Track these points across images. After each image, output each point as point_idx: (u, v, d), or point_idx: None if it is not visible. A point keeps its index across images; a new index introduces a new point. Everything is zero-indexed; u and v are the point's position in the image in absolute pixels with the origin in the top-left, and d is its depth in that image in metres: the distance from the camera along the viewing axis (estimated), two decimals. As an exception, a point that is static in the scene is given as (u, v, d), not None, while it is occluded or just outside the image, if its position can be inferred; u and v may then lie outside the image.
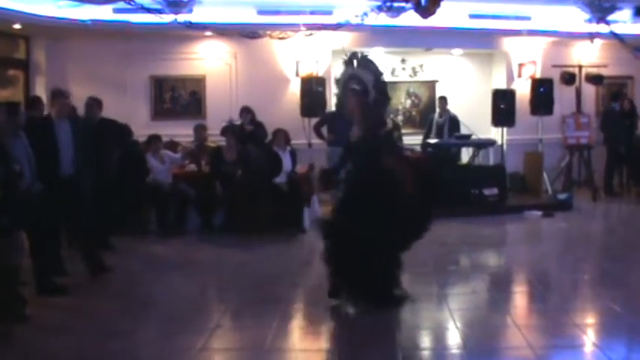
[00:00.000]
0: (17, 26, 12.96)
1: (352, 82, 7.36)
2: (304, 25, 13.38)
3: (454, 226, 11.30)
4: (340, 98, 7.92)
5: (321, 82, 13.96)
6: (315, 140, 13.36)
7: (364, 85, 7.27)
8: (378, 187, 6.87)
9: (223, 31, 13.40)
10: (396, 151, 7.96)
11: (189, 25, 12.31)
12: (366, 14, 12.04)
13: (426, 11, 9.96)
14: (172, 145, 12.87)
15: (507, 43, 15.51)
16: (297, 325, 6.94)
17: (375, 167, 7.02)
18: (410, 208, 6.92)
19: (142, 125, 13.02)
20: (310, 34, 13.20)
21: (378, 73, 7.45)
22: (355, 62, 7.49)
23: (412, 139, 14.95)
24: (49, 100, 8.64)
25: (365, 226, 6.82)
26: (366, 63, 7.46)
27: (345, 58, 7.57)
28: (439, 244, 9.71)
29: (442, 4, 10.20)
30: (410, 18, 12.37)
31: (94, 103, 10.40)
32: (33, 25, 12.89)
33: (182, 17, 12.52)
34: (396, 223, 6.87)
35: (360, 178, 7.13)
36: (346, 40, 13.72)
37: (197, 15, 12.91)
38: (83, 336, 6.39)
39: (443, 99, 14.90)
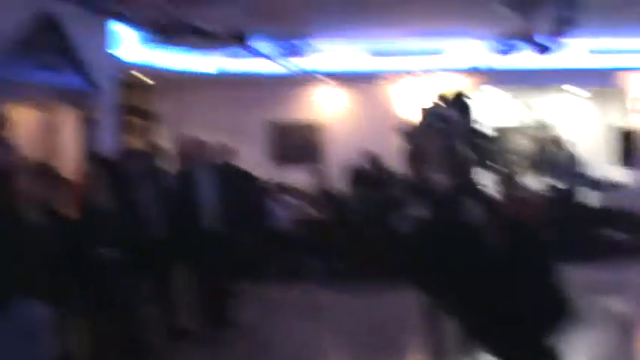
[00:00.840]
0: (145, 78, 13.50)
1: (435, 120, 6.81)
2: (419, 69, 13.43)
3: (579, 271, 10.95)
4: (416, 138, 7.30)
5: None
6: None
7: (449, 124, 6.67)
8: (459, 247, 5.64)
9: (338, 78, 13.60)
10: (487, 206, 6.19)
11: (307, 74, 12.53)
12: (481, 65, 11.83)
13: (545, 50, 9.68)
14: (291, 190, 13.04)
15: (625, 79, 15.11)
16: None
17: (457, 224, 5.83)
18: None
19: (261, 170, 13.27)
20: (423, 77, 13.23)
21: (468, 113, 6.79)
22: (445, 102, 6.95)
23: (531, 182, 14.68)
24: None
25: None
26: (458, 102, 6.91)
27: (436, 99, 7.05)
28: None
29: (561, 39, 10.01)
30: (525, 57, 12.24)
31: (223, 150, 10.64)
32: (159, 76, 13.40)
33: (299, 63, 12.78)
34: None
35: (438, 234, 5.99)
36: (462, 82, 13.68)
37: (313, 60, 13.13)
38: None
39: (560, 140, 14.61)
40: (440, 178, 6.44)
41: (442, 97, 7.04)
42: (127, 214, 6.86)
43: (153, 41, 10.33)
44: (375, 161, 12.91)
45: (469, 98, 7.13)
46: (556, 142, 14.85)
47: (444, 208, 6.06)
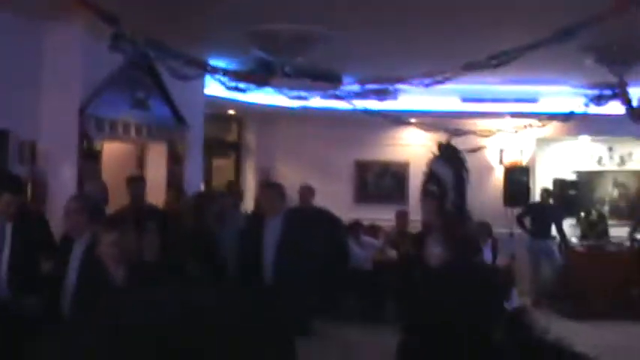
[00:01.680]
0: (231, 111, 13.78)
1: (430, 183, 6.31)
2: (509, 113, 13.32)
3: None
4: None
5: (524, 171, 13.81)
6: (518, 230, 13.15)
7: (443, 185, 5.99)
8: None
9: (427, 123, 13.56)
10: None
11: (395, 119, 12.56)
12: (573, 112, 11.61)
13: (636, 116, 9.57)
14: (374, 230, 13.05)
15: None
16: None
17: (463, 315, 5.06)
18: None
19: (344, 209, 13.29)
20: (515, 132, 13.07)
21: (459, 167, 6.11)
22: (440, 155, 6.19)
23: (618, 231, 14.38)
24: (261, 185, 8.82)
25: None
26: (449, 155, 6.30)
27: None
28: None
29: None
30: (618, 106, 12.03)
31: (308, 192, 10.74)
32: (245, 109, 13.66)
33: (387, 105, 12.83)
34: None
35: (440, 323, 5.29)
36: (551, 129, 13.53)
37: (402, 102, 13.17)
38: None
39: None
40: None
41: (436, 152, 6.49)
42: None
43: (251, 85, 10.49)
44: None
45: (455, 149, 6.56)
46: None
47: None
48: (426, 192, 6.05)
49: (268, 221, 7.52)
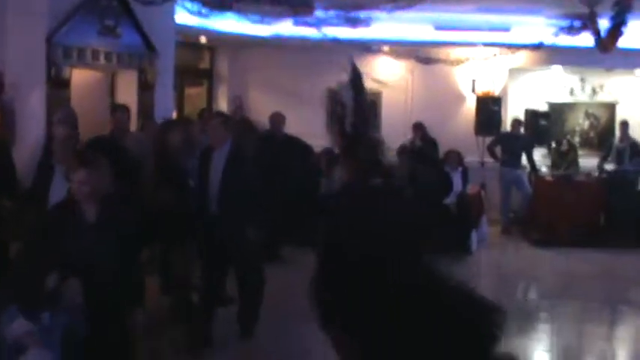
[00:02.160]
0: (203, 39, 13.67)
1: (334, 106, 6.29)
2: (482, 43, 13.32)
3: (634, 260, 10.85)
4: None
5: (497, 100, 13.84)
6: (488, 159, 13.27)
7: (343, 108, 5.88)
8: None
9: (399, 51, 13.55)
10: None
11: (366, 47, 12.53)
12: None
13: (604, 47, 9.61)
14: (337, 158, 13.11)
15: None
16: None
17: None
18: None
19: (317, 136, 13.32)
20: (486, 59, 13.10)
21: (359, 90, 5.95)
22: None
23: (588, 162, 14.52)
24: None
25: None
26: (353, 78, 6.22)
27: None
28: (612, 277, 9.44)
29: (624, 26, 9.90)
30: (590, 37, 12.07)
31: (278, 119, 10.77)
32: (217, 38, 13.56)
33: (359, 33, 12.79)
34: None
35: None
36: (524, 59, 13.57)
37: (374, 30, 13.12)
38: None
39: (625, 124, 14.27)
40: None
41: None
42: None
43: (214, 10, 10.39)
44: (422, 133, 12.96)
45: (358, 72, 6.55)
46: (619, 125, 14.51)
47: None
48: (329, 115, 5.78)
49: (215, 152, 7.11)
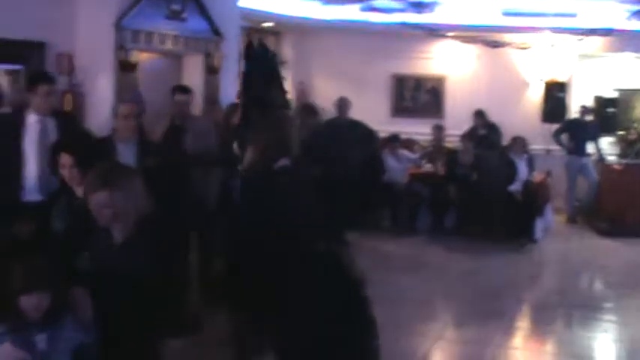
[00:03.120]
0: (268, 24, 13.73)
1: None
2: (549, 28, 13.11)
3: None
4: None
5: (563, 87, 13.64)
6: (554, 147, 13.08)
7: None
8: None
9: (465, 36, 13.42)
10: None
11: (432, 31, 12.45)
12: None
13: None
14: (409, 144, 13.09)
15: None
16: (520, 344, 6.92)
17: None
18: None
19: (381, 122, 13.24)
20: (552, 46, 12.89)
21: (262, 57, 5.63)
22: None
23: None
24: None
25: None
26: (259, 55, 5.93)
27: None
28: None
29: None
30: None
31: (344, 104, 10.78)
32: (282, 23, 13.61)
33: (425, 18, 12.71)
34: None
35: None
36: (593, 45, 13.33)
37: (440, 15, 13.01)
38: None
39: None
40: None
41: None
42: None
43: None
44: (484, 120, 12.83)
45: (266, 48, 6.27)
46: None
47: None
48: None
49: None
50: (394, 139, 12.03)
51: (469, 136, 11.92)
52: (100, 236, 3.83)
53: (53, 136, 5.77)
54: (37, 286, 3.38)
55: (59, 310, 3.45)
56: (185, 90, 7.72)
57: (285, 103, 5.05)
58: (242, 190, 5.02)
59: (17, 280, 3.41)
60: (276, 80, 5.18)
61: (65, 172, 4.61)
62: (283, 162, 4.57)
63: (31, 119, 5.81)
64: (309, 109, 11.09)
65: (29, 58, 7.83)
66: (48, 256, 3.69)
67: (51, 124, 5.88)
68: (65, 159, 4.59)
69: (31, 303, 3.36)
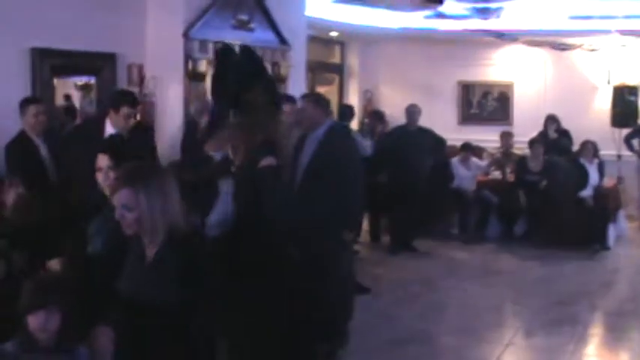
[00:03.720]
0: (334, 33, 13.79)
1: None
2: (617, 30, 12.87)
3: None
4: None
5: (634, 91, 13.36)
6: (625, 152, 12.83)
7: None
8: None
9: (532, 40, 13.27)
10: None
11: (499, 36, 12.34)
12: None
13: None
14: (477, 151, 12.97)
15: None
16: (593, 352, 6.80)
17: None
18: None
19: (448, 129, 13.15)
20: (623, 46, 12.66)
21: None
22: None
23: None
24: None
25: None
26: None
27: None
28: None
29: None
30: None
31: (416, 111, 10.76)
32: (347, 32, 13.65)
33: (491, 23, 12.61)
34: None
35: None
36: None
37: (506, 21, 12.89)
38: (381, 336, 6.73)
39: None
40: None
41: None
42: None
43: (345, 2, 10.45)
44: (557, 125, 12.63)
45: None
46: None
47: None
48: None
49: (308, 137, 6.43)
50: (466, 148, 11.93)
51: (538, 141, 11.75)
52: (132, 252, 3.38)
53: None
54: (42, 304, 3.24)
55: (71, 335, 3.30)
56: (290, 99, 7.51)
57: (272, 102, 4.93)
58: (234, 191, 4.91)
59: (24, 297, 3.30)
60: (259, 79, 5.08)
61: (101, 176, 4.38)
62: (268, 160, 4.59)
63: (109, 131, 5.96)
64: (377, 116, 11.15)
65: (101, 69, 8.01)
66: (60, 275, 3.73)
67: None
68: (102, 160, 4.38)
69: (37, 322, 3.24)
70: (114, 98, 6.56)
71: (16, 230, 4.48)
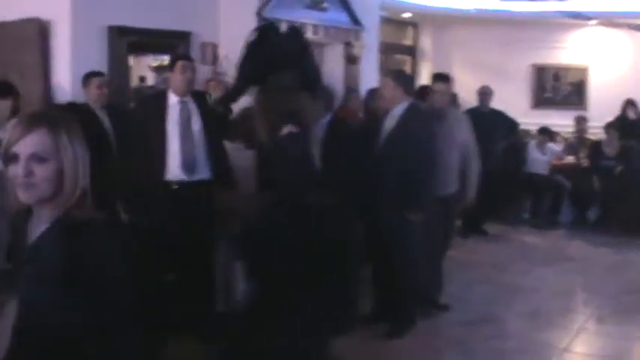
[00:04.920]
0: (407, 15, 13.71)
1: None
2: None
3: None
4: None
5: None
6: None
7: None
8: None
9: (609, 22, 12.98)
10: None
11: (576, 16, 12.11)
12: None
13: None
14: (551, 135, 12.77)
15: None
16: (667, 341, 6.67)
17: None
18: None
19: (521, 113, 12.97)
20: None
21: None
22: None
23: None
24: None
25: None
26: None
27: None
28: None
29: None
30: None
31: (488, 93, 10.67)
32: (421, 13, 13.55)
33: (567, 5, 12.39)
34: None
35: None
36: None
37: (582, 2, 12.65)
38: (451, 317, 6.72)
39: None
40: None
41: None
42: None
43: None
44: (635, 109, 12.34)
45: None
46: None
47: None
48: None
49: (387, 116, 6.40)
50: (544, 132, 11.77)
51: (614, 126, 11.51)
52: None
53: (194, 116, 5.92)
54: None
55: None
56: (444, 78, 7.18)
57: (306, 87, 4.99)
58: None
59: None
60: (296, 63, 5.15)
61: None
62: (288, 128, 4.68)
63: (173, 100, 5.95)
64: (450, 98, 10.98)
65: (175, 48, 8.09)
66: None
67: (191, 104, 5.98)
68: None
69: None
70: (171, 59, 6.54)
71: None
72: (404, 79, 6.46)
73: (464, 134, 6.98)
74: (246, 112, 5.78)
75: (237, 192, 6.10)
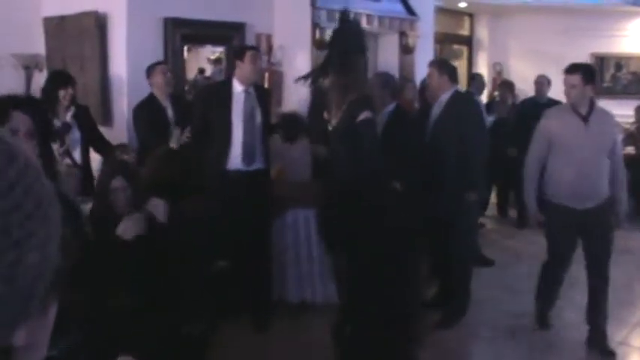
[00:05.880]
0: (462, 4, 13.60)
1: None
2: None
3: None
4: None
5: None
6: None
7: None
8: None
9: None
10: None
11: (636, 3, 11.90)
12: None
13: None
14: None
15: None
16: None
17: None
18: None
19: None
20: None
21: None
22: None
23: None
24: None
25: None
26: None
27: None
28: None
29: None
30: None
31: (545, 82, 10.55)
32: (476, 3, 13.43)
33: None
34: None
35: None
36: None
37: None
38: (504, 307, 6.63)
39: None
40: None
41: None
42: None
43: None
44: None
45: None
46: None
47: None
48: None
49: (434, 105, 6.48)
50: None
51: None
52: None
53: (256, 105, 5.98)
54: None
55: None
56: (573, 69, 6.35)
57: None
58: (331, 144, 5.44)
59: None
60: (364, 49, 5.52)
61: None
62: (365, 114, 5.00)
63: (237, 89, 6.02)
64: (507, 86, 10.90)
65: (230, 39, 8.15)
66: None
67: (253, 94, 6.09)
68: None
69: None
70: (235, 50, 6.70)
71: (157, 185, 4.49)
72: (447, 68, 6.55)
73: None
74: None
75: (289, 181, 6.20)
